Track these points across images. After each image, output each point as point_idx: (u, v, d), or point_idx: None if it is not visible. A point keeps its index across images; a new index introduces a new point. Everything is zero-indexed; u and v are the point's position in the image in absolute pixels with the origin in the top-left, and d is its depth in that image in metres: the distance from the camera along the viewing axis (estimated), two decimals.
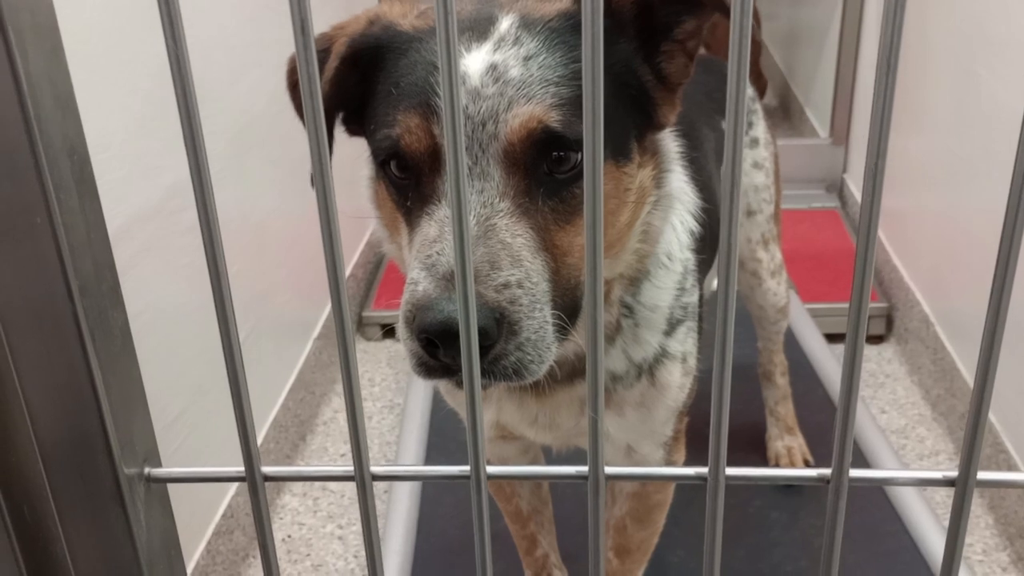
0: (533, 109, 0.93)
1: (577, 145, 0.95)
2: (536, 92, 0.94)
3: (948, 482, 0.59)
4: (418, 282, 0.89)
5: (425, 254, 0.91)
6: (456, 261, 0.55)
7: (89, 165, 0.61)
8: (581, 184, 0.96)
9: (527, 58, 0.96)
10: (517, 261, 0.91)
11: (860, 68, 3.46)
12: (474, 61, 0.96)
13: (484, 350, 0.87)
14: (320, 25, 0.90)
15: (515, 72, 0.95)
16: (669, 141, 1.15)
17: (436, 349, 0.87)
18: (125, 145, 1.67)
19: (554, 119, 0.93)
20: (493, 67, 0.95)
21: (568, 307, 0.97)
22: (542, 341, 0.92)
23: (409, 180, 0.98)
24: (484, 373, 0.89)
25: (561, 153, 0.95)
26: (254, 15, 2.28)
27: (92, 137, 0.62)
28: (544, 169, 0.95)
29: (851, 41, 3.46)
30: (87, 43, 1.55)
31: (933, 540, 1.95)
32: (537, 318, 0.91)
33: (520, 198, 0.94)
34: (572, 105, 0.94)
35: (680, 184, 1.22)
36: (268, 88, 2.23)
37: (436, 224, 0.93)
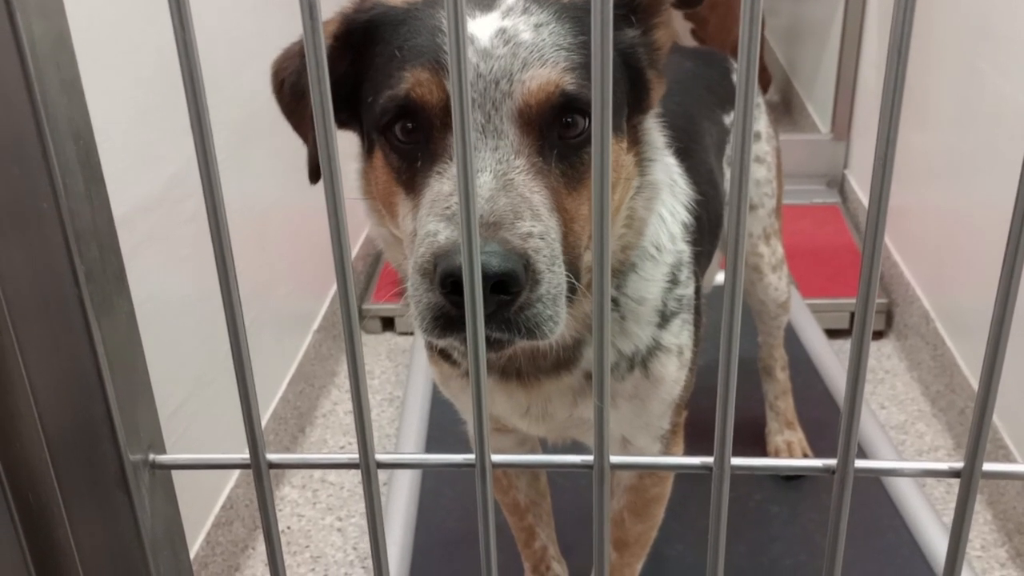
0: (550, 72, 0.94)
1: (589, 109, 0.95)
2: (550, 55, 0.95)
3: (954, 473, 0.59)
4: (438, 232, 0.88)
5: (443, 206, 0.90)
6: (464, 241, 0.55)
7: (95, 150, 0.61)
8: (588, 150, 0.96)
9: (538, 25, 0.97)
10: (537, 215, 0.90)
11: (862, 64, 3.46)
12: (481, 26, 0.97)
13: (511, 299, 0.85)
14: (327, 12, 0.90)
15: (527, 36, 0.96)
16: (654, 131, 1.15)
17: (460, 298, 0.86)
18: (128, 135, 1.66)
19: (569, 82, 0.94)
20: (503, 31, 0.96)
21: (573, 272, 0.97)
22: (559, 297, 0.91)
23: (417, 142, 0.97)
24: (507, 325, 0.88)
25: (570, 118, 0.96)
26: (257, 5, 2.27)
27: (95, 126, 0.62)
28: (556, 133, 0.96)
29: (853, 37, 3.45)
30: (90, 32, 1.54)
31: (932, 535, 1.96)
32: (556, 272, 0.91)
33: (534, 157, 0.94)
34: (583, 70, 0.95)
35: (669, 175, 1.22)
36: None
37: (450, 180, 0.92)
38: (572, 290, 0.94)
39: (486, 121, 0.93)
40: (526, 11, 0.98)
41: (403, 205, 1.00)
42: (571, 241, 0.96)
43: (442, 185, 0.92)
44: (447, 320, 0.88)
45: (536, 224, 0.89)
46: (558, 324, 0.91)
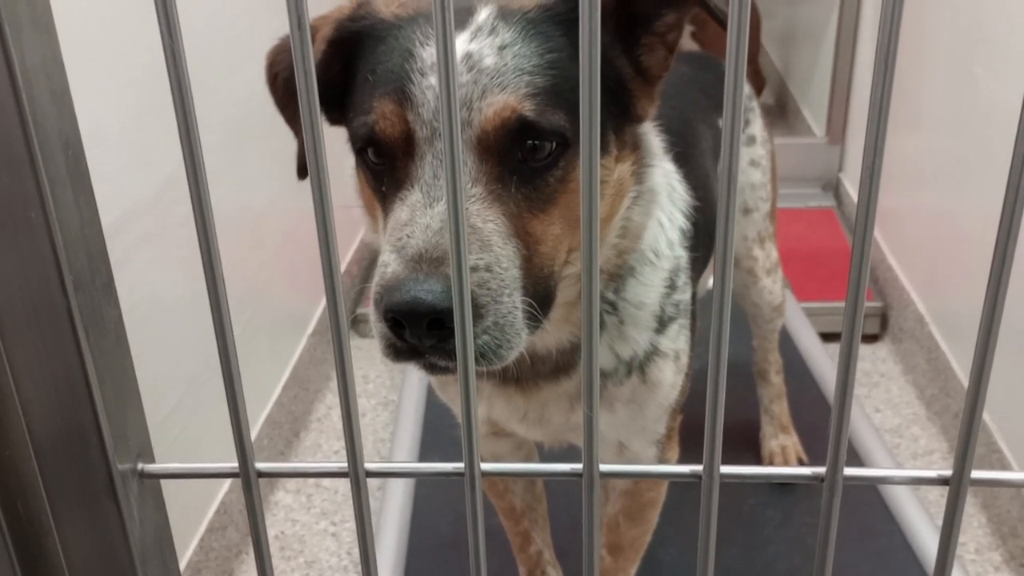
0: (507, 98, 0.94)
1: (551, 135, 0.96)
2: (510, 81, 0.95)
3: (942, 481, 0.59)
4: (388, 264, 0.89)
5: (396, 237, 0.91)
6: (452, 258, 0.55)
7: (84, 160, 0.61)
8: (555, 173, 0.97)
9: (502, 48, 0.97)
10: (486, 246, 0.91)
11: (857, 67, 3.46)
12: None
13: (450, 332, 0.86)
14: (323, 8, 0.90)
15: (489, 61, 0.96)
16: (652, 137, 1.15)
17: (403, 330, 0.87)
18: (121, 137, 1.66)
19: (528, 108, 0.94)
20: (468, 56, 0.96)
21: (540, 295, 0.97)
22: (510, 326, 0.92)
23: (384, 166, 0.99)
24: (450, 355, 0.88)
25: (535, 142, 0.96)
26: (250, 7, 2.27)
27: (88, 130, 0.62)
28: (518, 157, 0.96)
29: (848, 40, 3.46)
30: (83, 35, 1.54)
31: (926, 539, 1.96)
32: (505, 303, 0.91)
33: (492, 184, 0.95)
34: (546, 94, 0.95)
35: (667, 180, 1.22)
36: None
37: (407, 208, 0.93)
38: (535, 315, 0.95)
39: None
40: (493, 31, 0.98)
41: (381, 220, 1.02)
42: (536, 263, 0.97)
43: (401, 212, 0.93)
44: (397, 349, 0.90)
45: (483, 256, 0.91)
46: (510, 350, 0.92)
